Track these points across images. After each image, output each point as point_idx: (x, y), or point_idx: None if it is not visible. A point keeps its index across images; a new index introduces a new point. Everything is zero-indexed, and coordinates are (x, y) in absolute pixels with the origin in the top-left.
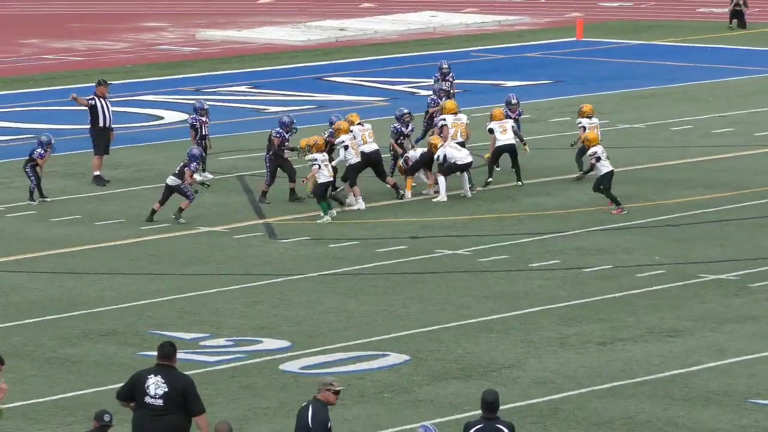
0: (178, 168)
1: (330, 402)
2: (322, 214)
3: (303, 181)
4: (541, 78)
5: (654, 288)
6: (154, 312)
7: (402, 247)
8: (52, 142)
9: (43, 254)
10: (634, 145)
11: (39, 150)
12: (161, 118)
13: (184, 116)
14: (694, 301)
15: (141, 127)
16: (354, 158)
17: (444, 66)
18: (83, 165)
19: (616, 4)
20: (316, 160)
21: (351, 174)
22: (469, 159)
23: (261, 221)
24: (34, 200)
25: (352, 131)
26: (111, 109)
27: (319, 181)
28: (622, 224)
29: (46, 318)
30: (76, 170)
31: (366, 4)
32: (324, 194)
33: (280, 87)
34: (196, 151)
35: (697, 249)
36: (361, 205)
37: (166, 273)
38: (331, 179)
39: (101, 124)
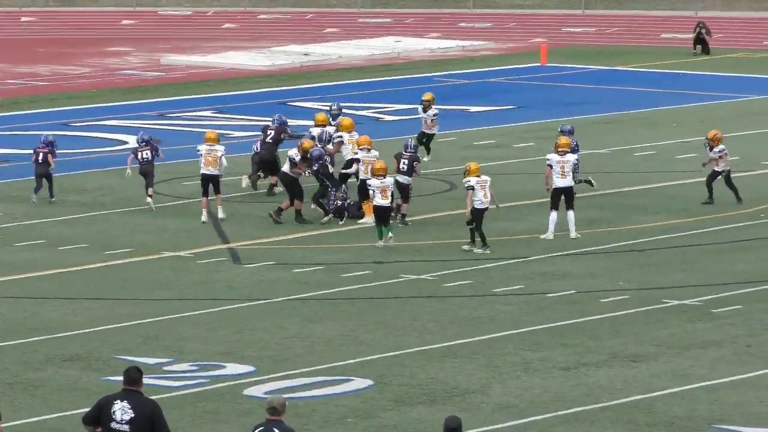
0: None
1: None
2: (387, 234)
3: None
4: (505, 103)
5: (618, 313)
6: (118, 337)
7: (367, 272)
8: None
9: (6, 279)
10: (598, 170)
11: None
12: (125, 142)
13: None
14: (658, 326)
15: (105, 152)
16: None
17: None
18: (46, 189)
19: (579, 30)
20: (371, 186)
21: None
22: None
23: (225, 246)
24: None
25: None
26: None
27: (375, 203)
28: (586, 249)
29: (9, 342)
30: (40, 194)
31: (330, 30)
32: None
33: (244, 112)
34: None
35: (661, 274)
36: (368, 220)
37: (130, 298)
38: (387, 203)
39: None
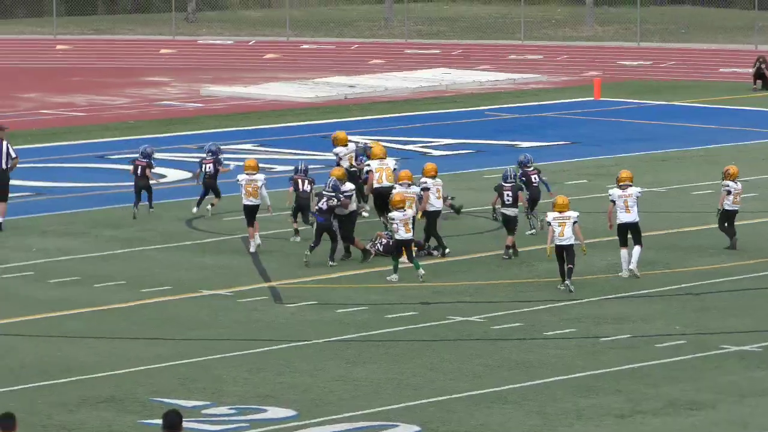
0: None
1: None
2: (415, 269)
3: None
4: (557, 139)
5: (674, 359)
6: (154, 378)
7: (412, 313)
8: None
9: (39, 317)
10: (653, 209)
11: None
12: (164, 176)
13: (185, 175)
14: (716, 372)
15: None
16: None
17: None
18: (83, 223)
19: (635, 63)
20: (393, 219)
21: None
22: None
23: (266, 284)
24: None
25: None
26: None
27: (397, 237)
28: (641, 292)
29: (42, 383)
30: (75, 229)
31: (376, 61)
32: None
33: (286, 145)
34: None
35: (719, 318)
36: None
37: (167, 337)
38: (410, 237)
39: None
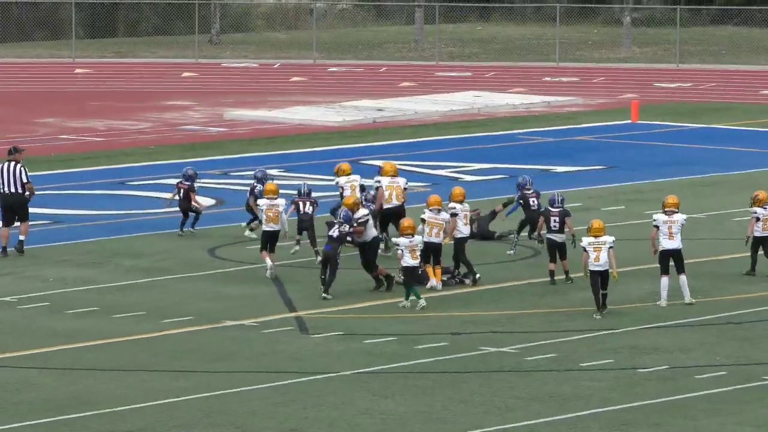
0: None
1: None
2: (415, 298)
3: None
4: (593, 163)
5: (714, 390)
6: (176, 412)
7: (443, 343)
8: (189, 173)
9: (57, 349)
10: (693, 236)
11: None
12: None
13: (209, 201)
14: (758, 405)
15: (164, 214)
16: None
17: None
18: (102, 253)
19: (673, 85)
20: (398, 245)
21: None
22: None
23: (292, 314)
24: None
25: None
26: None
27: (403, 264)
28: (679, 321)
29: (60, 417)
30: (94, 258)
31: (405, 83)
32: (410, 279)
33: (313, 170)
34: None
35: (761, 349)
36: (433, 283)
37: (189, 370)
38: (417, 264)
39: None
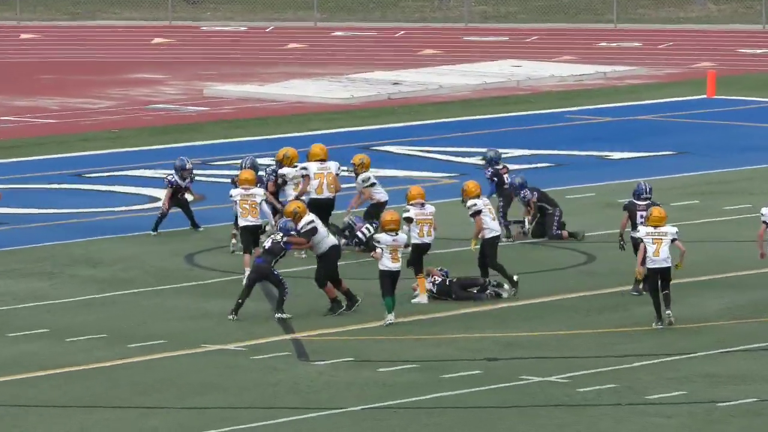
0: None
1: None
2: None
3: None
4: (660, 148)
5: None
6: None
7: (476, 371)
8: (187, 166)
9: None
10: None
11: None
12: (157, 199)
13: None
14: None
15: (130, 212)
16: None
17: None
18: (52, 261)
19: (759, 51)
20: (380, 243)
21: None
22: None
23: (288, 336)
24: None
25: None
26: None
27: (381, 267)
28: None
29: None
30: (45, 267)
31: (428, 51)
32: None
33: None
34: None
35: None
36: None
37: (160, 406)
38: (398, 267)
39: None
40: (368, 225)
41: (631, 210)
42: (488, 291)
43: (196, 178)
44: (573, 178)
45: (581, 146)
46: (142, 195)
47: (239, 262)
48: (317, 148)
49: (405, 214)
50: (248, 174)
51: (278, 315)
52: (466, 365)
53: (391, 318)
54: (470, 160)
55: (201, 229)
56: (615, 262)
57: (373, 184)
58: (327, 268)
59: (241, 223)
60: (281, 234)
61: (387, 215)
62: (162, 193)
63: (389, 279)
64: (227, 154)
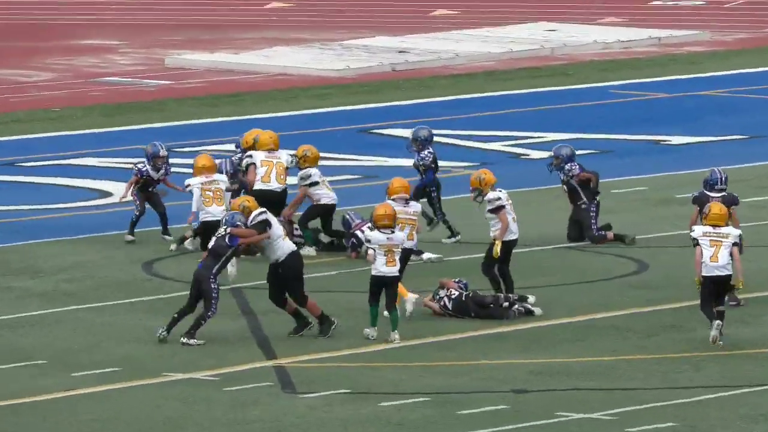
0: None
1: None
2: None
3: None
4: (727, 131)
5: None
6: None
7: (500, 406)
8: (161, 153)
9: None
10: None
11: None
12: (109, 194)
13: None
14: None
15: (76, 210)
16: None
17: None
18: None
19: None
20: (371, 242)
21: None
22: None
23: (269, 363)
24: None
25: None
26: None
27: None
28: None
29: None
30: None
31: (441, 11)
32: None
33: (300, 143)
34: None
35: None
36: None
37: None
38: (395, 272)
39: None
40: (370, 224)
41: (702, 203)
42: (515, 307)
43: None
44: (620, 167)
45: (629, 129)
46: (90, 189)
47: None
48: (266, 136)
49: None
50: (206, 160)
51: (184, 339)
52: (488, 399)
53: (371, 333)
54: (495, 146)
55: (170, 238)
56: (672, 271)
57: (314, 183)
58: (286, 277)
59: (203, 216)
60: (225, 228)
61: (380, 209)
62: (123, 187)
63: (382, 286)
64: (195, 139)
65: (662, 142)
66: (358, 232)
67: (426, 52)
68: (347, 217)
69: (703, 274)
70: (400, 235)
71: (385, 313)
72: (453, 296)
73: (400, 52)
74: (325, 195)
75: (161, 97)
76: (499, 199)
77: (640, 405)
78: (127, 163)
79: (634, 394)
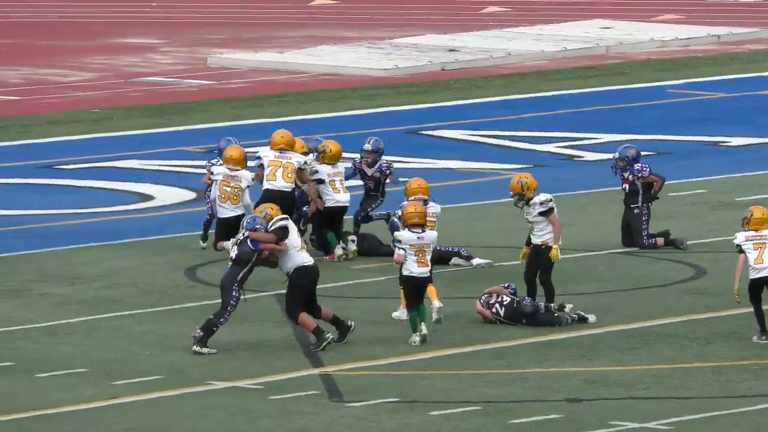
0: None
1: None
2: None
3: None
4: None
5: None
6: None
7: (554, 415)
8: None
9: None
10: None
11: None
12: (150, 197)
13: (186, 195)
14: None
15: (115, 215)
16: None
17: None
18: (18, 276)
19: None
20: (401, 243)
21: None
22: None
23: (316, 371)
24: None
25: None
26: None
27: (404, 273)
28: None
29: None
30: (7, 284)
31: (492, 8)
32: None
33: (350, 146)
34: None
35: None
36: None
37: None
38: (426, 273)
39: None
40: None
41: None
42: (567, 312)
43: (200, 170)
44: (677, 170)
45: (688, 130)
46: (130, 192)
47: (256, 276)
48: (278, 135)
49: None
50: (237, 152)
51: (195, 348)
52: (541, 408)
53: (416, 339)
54: (547, 148)
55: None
56: (730, 278)
57: (320, 181)
58: (298, 292)
59: (221, 213)
60: (244, 232)
61: (409, 207)
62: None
63: (414, 288)
64: (238, 141)
65: (721, 144)
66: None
67: (477, 50)
68: (396, 221)
69: (751, 277)
70: (431, 234)
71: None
72: (505, 302)
73: (450, 50)
74: (330, 197)
75: (204, 98)
76: (552, 200)
77: (697, 414)
78: (169, 165)
79: (690, 403)
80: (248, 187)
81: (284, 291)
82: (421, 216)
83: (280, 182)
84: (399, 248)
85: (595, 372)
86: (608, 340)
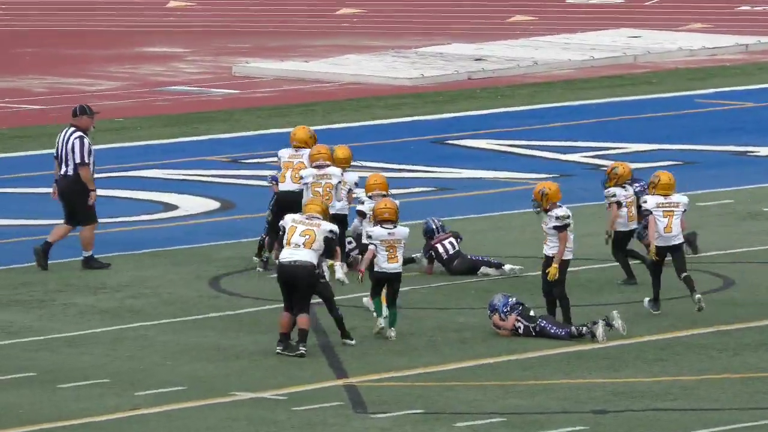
0: None
1: None
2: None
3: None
4: None
5: None
6: None
7: (578, 427)
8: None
9: None
10: None
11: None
12: (174, 207)
13: (211, 205)
14: None
15: (139, 224)
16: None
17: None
18: (41, 285)
19: None
20: (372, 238)
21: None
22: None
23: (340, 382)
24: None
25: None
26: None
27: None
28: None
29: None
30: (30, 293)
31: (518, 17)
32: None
33: (375, 156)
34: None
35: None
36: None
37: None
38: (397, 268)
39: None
40: (452, 239)
41: None
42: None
43: (225, 180)
44: (705, 180)
45: (715, 139)
46: (154, 201)
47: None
48: (292, 132)
49: (358, 207)
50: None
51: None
52: (567, 419)
53: (381, 321)
54: (574, 157)
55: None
56: (759, 288)
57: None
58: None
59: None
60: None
61: (380, 202)
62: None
63: (386, 283)
64: (263, 150)
65: (749, 153)
66: (439, 246)
67: (503, 59)
68: (432, 225)
69: (657, 244)
70: (402, 230)
71: (385, 308)
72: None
73: (476, 59)
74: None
75: (228, 107)
76: (569, 217)
77: (724, 426)
78: (193, 175)
79: (717, 415)
80: (340, 182)
81: (314, 302)
82: (392, 212)
83: (290, 184)
84: (370, 243)
85: (621, 383)
86: (635, 351)
